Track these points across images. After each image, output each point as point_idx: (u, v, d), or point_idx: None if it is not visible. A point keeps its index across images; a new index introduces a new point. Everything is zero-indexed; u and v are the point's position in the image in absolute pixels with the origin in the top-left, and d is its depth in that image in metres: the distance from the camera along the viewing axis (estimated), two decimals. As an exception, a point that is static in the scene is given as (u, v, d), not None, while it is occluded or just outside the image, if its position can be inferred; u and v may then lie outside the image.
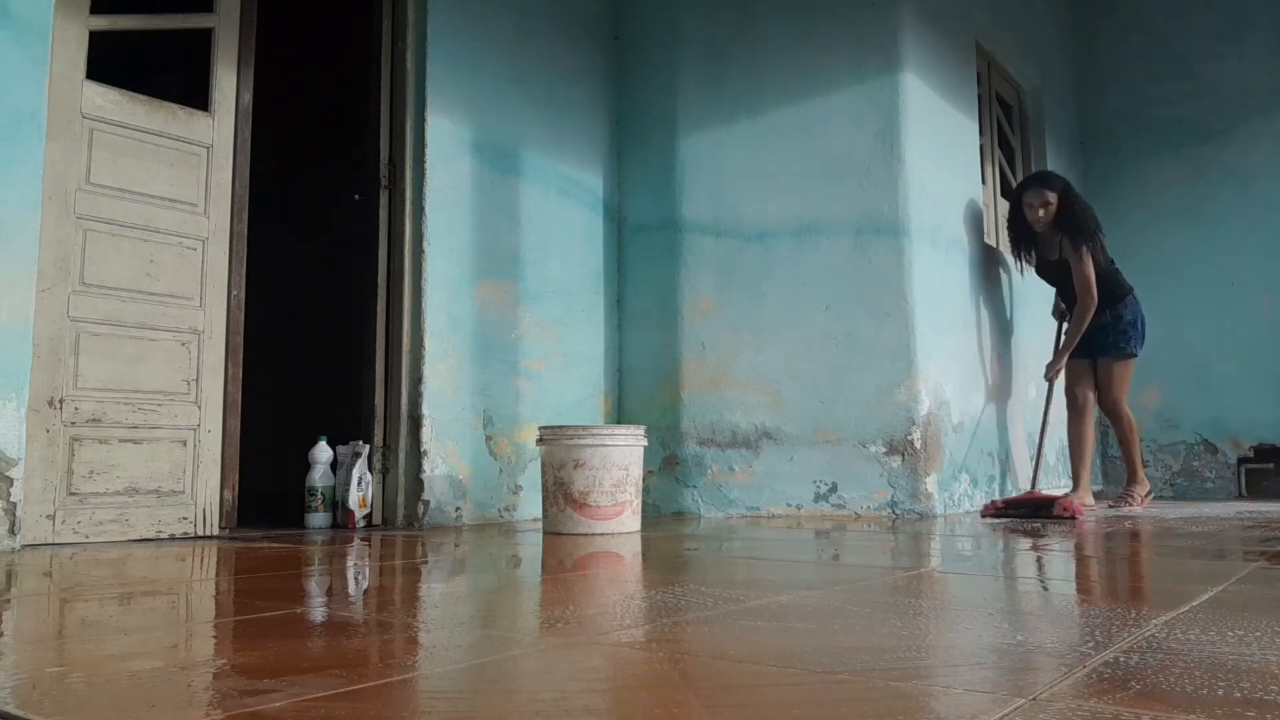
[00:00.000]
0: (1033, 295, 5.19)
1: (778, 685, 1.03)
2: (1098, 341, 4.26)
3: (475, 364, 3.71)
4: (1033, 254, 4.45)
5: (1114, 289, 4.27)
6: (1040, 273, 4.49)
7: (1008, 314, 4.77)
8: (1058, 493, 4.03)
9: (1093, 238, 4.19)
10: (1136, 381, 5.82)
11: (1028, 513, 3.72)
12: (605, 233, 4.39)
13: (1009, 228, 4.54)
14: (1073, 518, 3.57)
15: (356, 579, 2.09)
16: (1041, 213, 4.23)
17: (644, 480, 3.39)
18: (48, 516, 2.66)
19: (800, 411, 3.94)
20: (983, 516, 3.75)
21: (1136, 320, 4.28)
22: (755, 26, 4.24)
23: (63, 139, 2.75)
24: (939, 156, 4.13)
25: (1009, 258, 4.99)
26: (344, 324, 4.19)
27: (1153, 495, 4.48)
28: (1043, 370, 4.46)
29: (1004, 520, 3.61)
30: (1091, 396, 4.34)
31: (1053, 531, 3.05)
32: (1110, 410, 4.34)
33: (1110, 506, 4.23)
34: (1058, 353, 4.33)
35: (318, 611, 1.60)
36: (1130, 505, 4.23)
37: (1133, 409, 5.80)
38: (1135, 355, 4.30)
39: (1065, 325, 4.37)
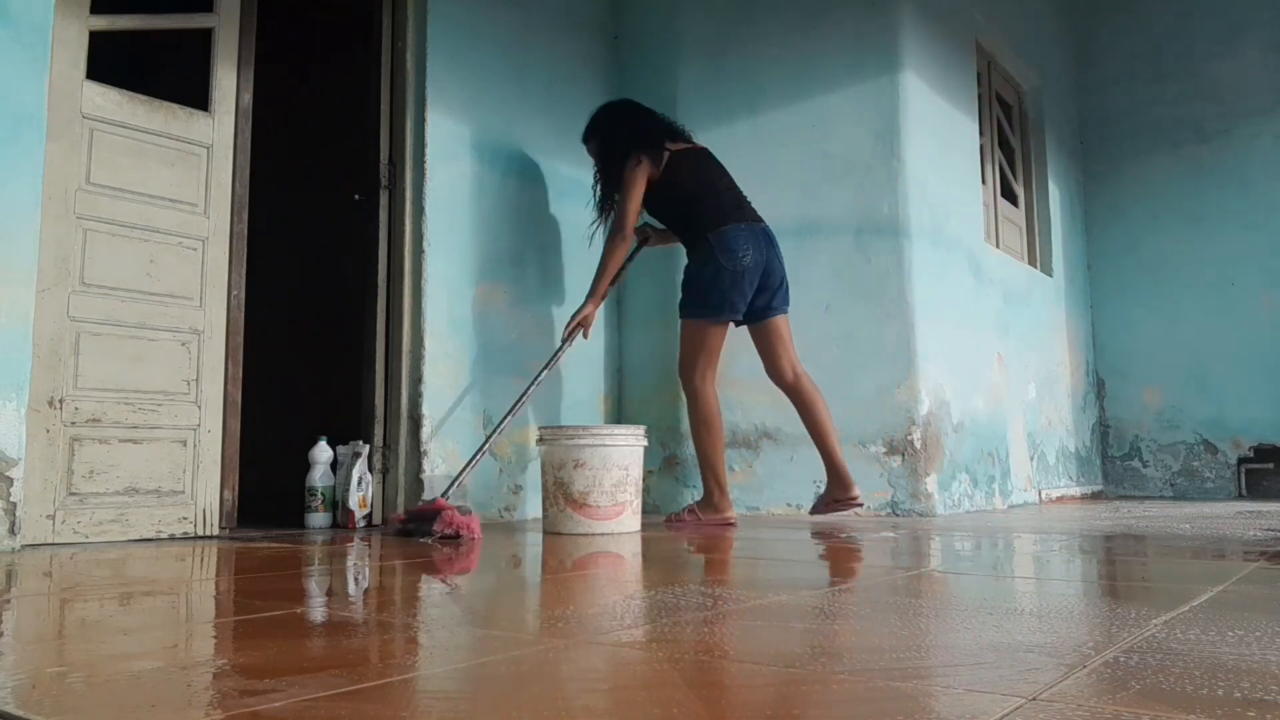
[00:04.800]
0: (1034, 295, 5.19)
1: (777, 685, 1.03)
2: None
3: (475, 364, 3.71)
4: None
5: (686, 235, 3.54)
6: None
7: (1007, 314, 4.77)
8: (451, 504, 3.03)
9: (646, 150, 3.48)
10: (1138, 381, 5.87)
11: (418, 525, 2.96)
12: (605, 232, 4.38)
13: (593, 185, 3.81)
14: (457, 535, 2.81)
15: (356, 579, 2.09)
16: (596, 162, 3.74)
17: (644, 480, 3.39)
18: (48, 516, 2.66)
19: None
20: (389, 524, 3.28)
21: (700, 276, 3.42)
22: (755, 26, 4.24)
23: (63, 139, 2.75)
24: (939, 157, 4.13)
25: (1007, 257, 4.99)
26: (344, 324, 4.20)
27: (734, 526, 3.36)
28: (1028, 366, 4.37)
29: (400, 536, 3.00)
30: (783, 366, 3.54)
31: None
32: (682, 382, 3.52)
33: (669, 522, 3.44)
34: (592, 288, 3.61)
35: (318, 611, 1.60)
36: (681, 523, 3.42)
37: (1133, 409, 5.85)
38: (691, 318, 3.45)
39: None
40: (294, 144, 5.11)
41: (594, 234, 3.90)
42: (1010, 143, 5.37)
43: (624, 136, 3.58)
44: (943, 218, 4.13)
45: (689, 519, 3.45)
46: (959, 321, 4.19)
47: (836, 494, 3.48)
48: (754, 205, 4.19)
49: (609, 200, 3.67)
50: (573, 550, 2.60)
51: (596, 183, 3.75)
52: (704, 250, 3.43)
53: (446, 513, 2.87)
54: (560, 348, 3.62)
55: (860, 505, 3.51)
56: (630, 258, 3.81)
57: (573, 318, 3.59)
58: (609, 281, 3.60)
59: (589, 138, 3.75)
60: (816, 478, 3.94)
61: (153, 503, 2.88)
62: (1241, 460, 5.44)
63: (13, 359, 2.47)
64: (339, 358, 4.46)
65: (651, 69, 4.47)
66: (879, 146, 3.90)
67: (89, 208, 2.81)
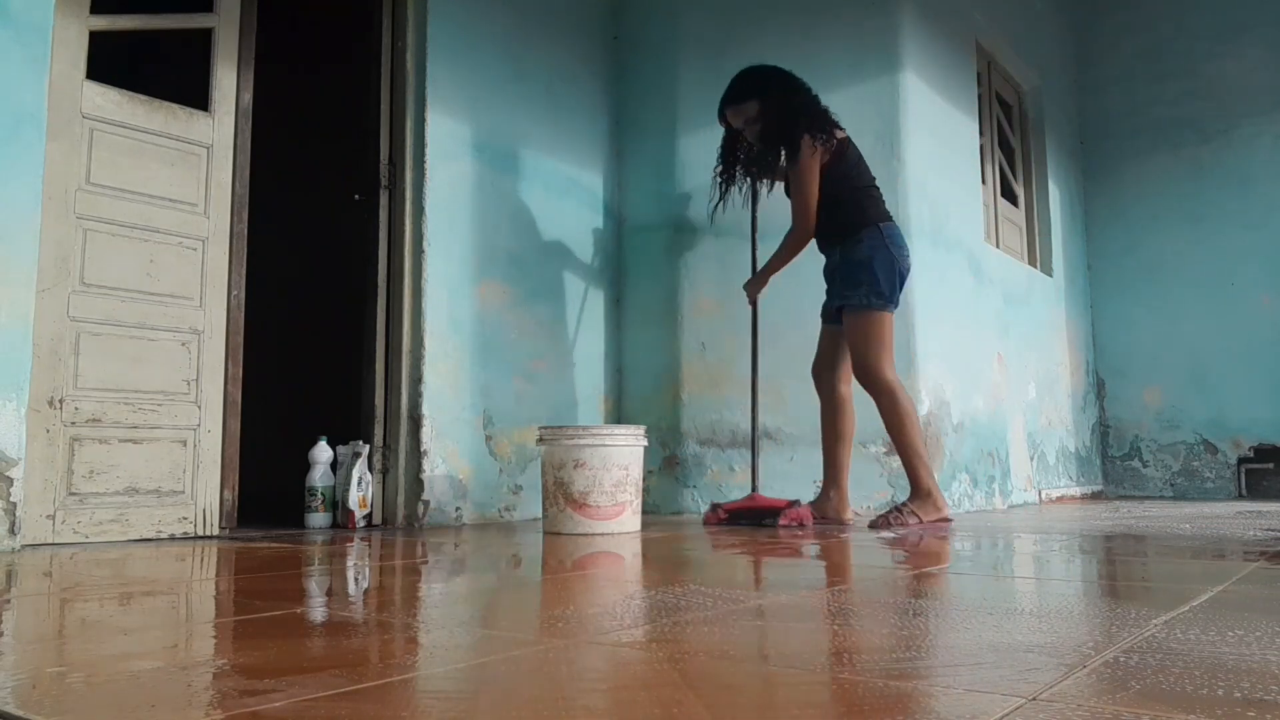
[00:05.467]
0: (1034, 295, 5.19)
1: (777, 685, 1.03)
2: (831, 293, 3.39)
3: (475, 364, 3.71)
4: (758, 190, 3.65)
5: (850, 217, 3.28)
6: (788, 194, 3.53)
7: (1007, 314, 4.77)
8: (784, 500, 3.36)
9: (819, 126, 3.27)
10: (1138, 381, 5.87)
11: (752, 521, 3.28)
12: (605, 233, 4.39)
13: (721, 159, 3.57)
14: (801, 525, 3.14)
15: (356, 579, 2.09)
16: (751, 130, 3.40)
17: (644, 480, 3.39)
18: (48, 516, 2.66)
19: (800, 411, 3.93)
20: (706, 525, 3.38)
21: (873, 262, 3.22)
22: (755, 26, 4.24)
23: (63, 139, 2.75)
24: (939, 157, 4.13)
25: (1007, 257, 4.99)
26: (344, 324, 4.20)
27: (952, 523, 3.26)
28: (1028, 366, 4.35)
29: (727, 529, 3.22)
30: (839, 373, 3.40)
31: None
32: (864, 382, 3.28)
33: (873, 525, 3.17)
34: (758, 274, 3.56)
35: (318, 611, 1.60)
36: (903, 525, 3.14)
37: (1133, 409, 5.85)
38: (867, 306, 3.23)
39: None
40: (294, 144, 5.11)
41: (715, 214, 3.62)
42: (1010, 143, 5.37)
43: (796, 115, 3.29)
44: (943, 218, 4.12)
45: (910, 521, 3.13)
46: (959, 321, 4.19)
47: (839, 510, 3.39)
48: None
49: (764, 168, 3.47)
50: (573, 550, 2.60)
51: (726, 157, 3.52)
52: (874, 239, 3.24)
53: (795, 508, 3.22)
54: (755, 323, 3.65)
55: (848, 523, 3.36)
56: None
57: (751, 290, 3.59)
58: (781, 268, 3.46)
59: (743, 99, 3.36)
60: (816, 478, 3.93)
61: (153, 503, 2.88)
62: (1241, 460, 5.44)
63: (13, 359, 2.47)
64: (339, 358, 4.47)
65: (651, 69, 4.47)
66: (879, 146, 3.89)
67: (89, 208, 2.81)
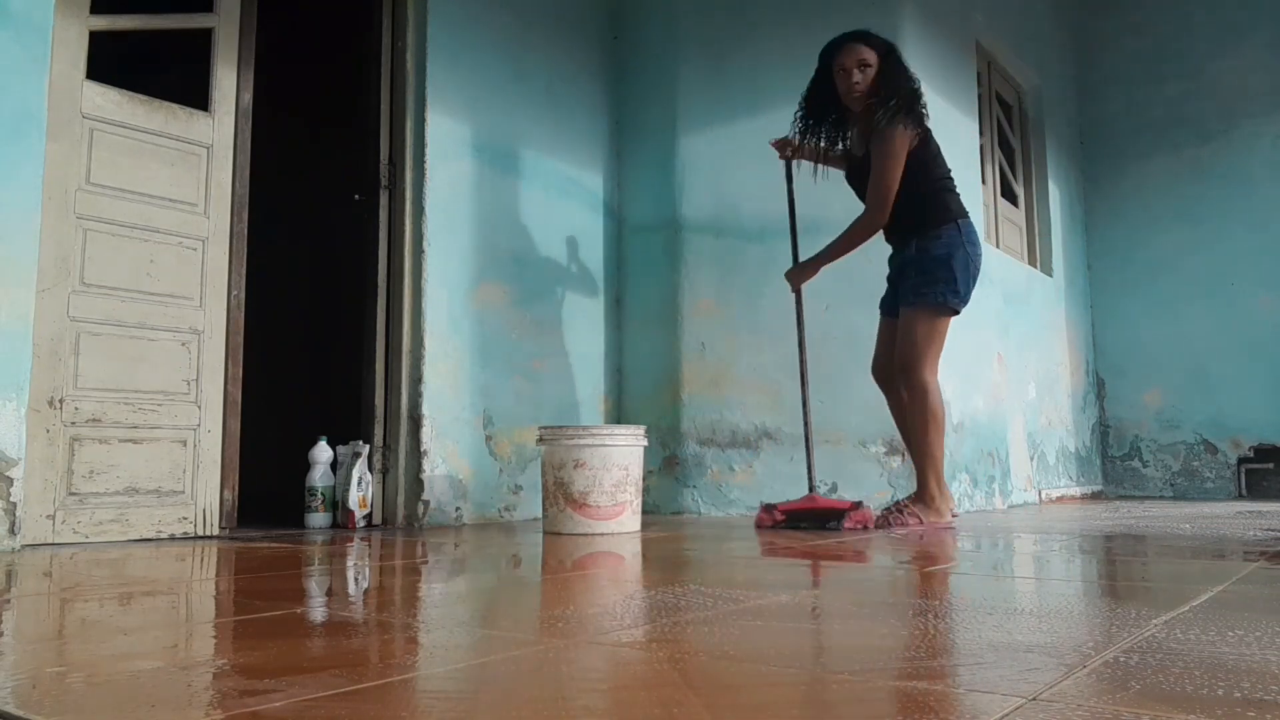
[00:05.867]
0: (1034, 295, 5.19)
1: (778, 685, 1.03)
2: (901, 287, 3.25)
3: (475, 364, 3.71)
4: (834, 146, 3.40)
5: (932, 212, 3.16)
6: (850, 180, 3.42)
7: (1007, 314, 4.76)
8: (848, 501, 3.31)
9: (918, 118, 3.15)
10: (1138, 381, 5.87)
11: (814, 524, 3.15)
12: (605, 233, 4.39)
13: (804, 104, 3.37)
14: (865, 528, 3.04)
15: (356, 579, 2.09)
16: (858, 77, 3.16)
17: (644, 480, 3.39)
18: (48, 516, 2.66)
19: (800, 411, 3.93)
20: (759, 528, 3.17)
21: (950, 260, 3.12)
22: (755, 26, 4.24)
23: (63, 139, 2.75)
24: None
25: (1007, 257, 4.99)
26: (344, 324, 4.20)
27: (955, 519, 3.24)
28: (1028, 366, 4.32)
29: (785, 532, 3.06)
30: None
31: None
32: (902, 377, 3.22)
33: (876, 524, 3.12)
34: (811, 260, 3.38)
35: (318, 611, 1.60)
36: (902, 525, 3.09)
37: (1133, 409, 5.85)
38: (940, 304, 3.14)
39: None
40: (294, 144, 5.11)
41: (806, 172, 3.46)
42: (1010, 143, 5.37)
43: (906, 90, 3.16)
44: (943, 218, 4.11)
45: (910, 521, 3.09)
46: (959, 321, 4.17)
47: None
48: (754, 204, 4.18)
49: (836, 132, 3.31)
50: (573, 550, 2.60)
51: (811, 101, 3.32)
52: (954, 236, 3.14)
53: (860, 510, 3.10)
54: (799, 316, 3.48)
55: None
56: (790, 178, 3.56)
57: (795, 277, 3.42)
58: (838, 257, 3.31)
59: (869, 42, 3.22)
60: (816, 478, 3.93)
61: (153, 503, 2.88)
62: (1241, 460, 5.44)
63: (13, 359, 2.47)
64: (339, 358, 4.47)
65: (651, 69, 4.46)
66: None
67: (89, 208, 2.81)
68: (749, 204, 4.12)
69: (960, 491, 3.98)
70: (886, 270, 4.04)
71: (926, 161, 3.18)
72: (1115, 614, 1.43)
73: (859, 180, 3.29)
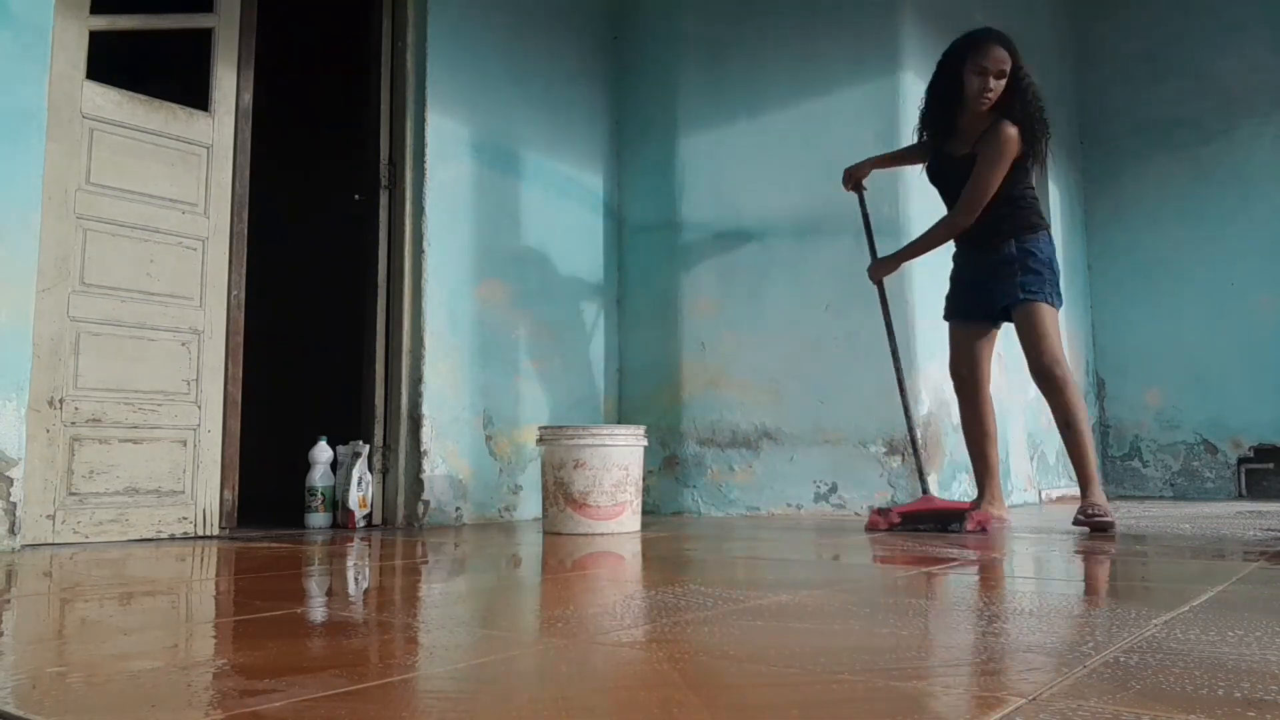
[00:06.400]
0: (1033, 295, 5.19)
1: (778, 685, 1.03)
2: (1001, 287, 3.13)
3: (475, 364, 3.71)
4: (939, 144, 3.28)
5: (1029, 216, 3.13)
6: (935, 177, 3.36)
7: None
8: (965, 502, 3.31)
9: (1041, 133, 3.08)
10: (1138, 381, 5.86)
11: (935, 526, 3.05)
12: (605, 233, 4.39)
13: (928, 100, 3.26)
14: (984, 529, 2.95)
15: (356, 579, 2.09)
16: (994, 85, 3.04)
17: (644, 480, 3.39)
18: (48, 516, 2.66)
19: (800, 411, 3.94)
20: (868, 531, 3.09)
21: (1052, 262, 3.15)
22: (755, 26, 4.24)
23: (63, 139, 2.75)
24: (939, 156, 4.12)
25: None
26: (344, 324, 4.20)
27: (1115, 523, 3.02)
28: (1028, 366, 4.30)
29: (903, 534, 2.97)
30: (984, 371, 3.32)
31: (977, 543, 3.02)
32: (1045, 376, 3.09)
33: (1077, 522, 2.98)
34: (895, 255, 3.35)
35: (318, 611, 1.60)
36: (1102, 516, 2.95)
37: (1133, 409, 5.84)
38: (1058, 307, 3.17)
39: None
40: (294, 144, 5.11)
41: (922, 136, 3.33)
42: (1010, 143, 5.36)
43: (1035, 106, 3.06)
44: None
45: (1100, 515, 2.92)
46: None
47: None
48: (754, 205, 4.19)
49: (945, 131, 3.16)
50: (573, 550, 2.60)
51: (937, 95, 3.19)
52: (1049, 243, 3.15)
53: (978, 511, 3.05)
54: (885, 310, 3.42)
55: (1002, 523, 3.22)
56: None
57: (876, 270, 3.36)
58: (920, 255, 3.30)
59: (1013, 49, 3.10)
60: (816, 478, 3.94)
61: (153, 503, 2.88)
62: (1241, 460, 5.44)
63: (13, 359, 2.47)
64: (339, 358, 4.47)
65: (651, 69, 4.47)
66: (879, 146, 3.89)
67: (89, 208, 2.81)
68: (749, 204, 4.12)
69: (960, 492, 3.98)
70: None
71: (1026, 170, 3.14)
72: (1115, 614, 1.43)
73: (949, 179, 3.21)
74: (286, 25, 4.53)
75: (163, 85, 3.16)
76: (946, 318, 3.41)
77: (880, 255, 3.41)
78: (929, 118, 3.25)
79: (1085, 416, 3.10)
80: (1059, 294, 3.15)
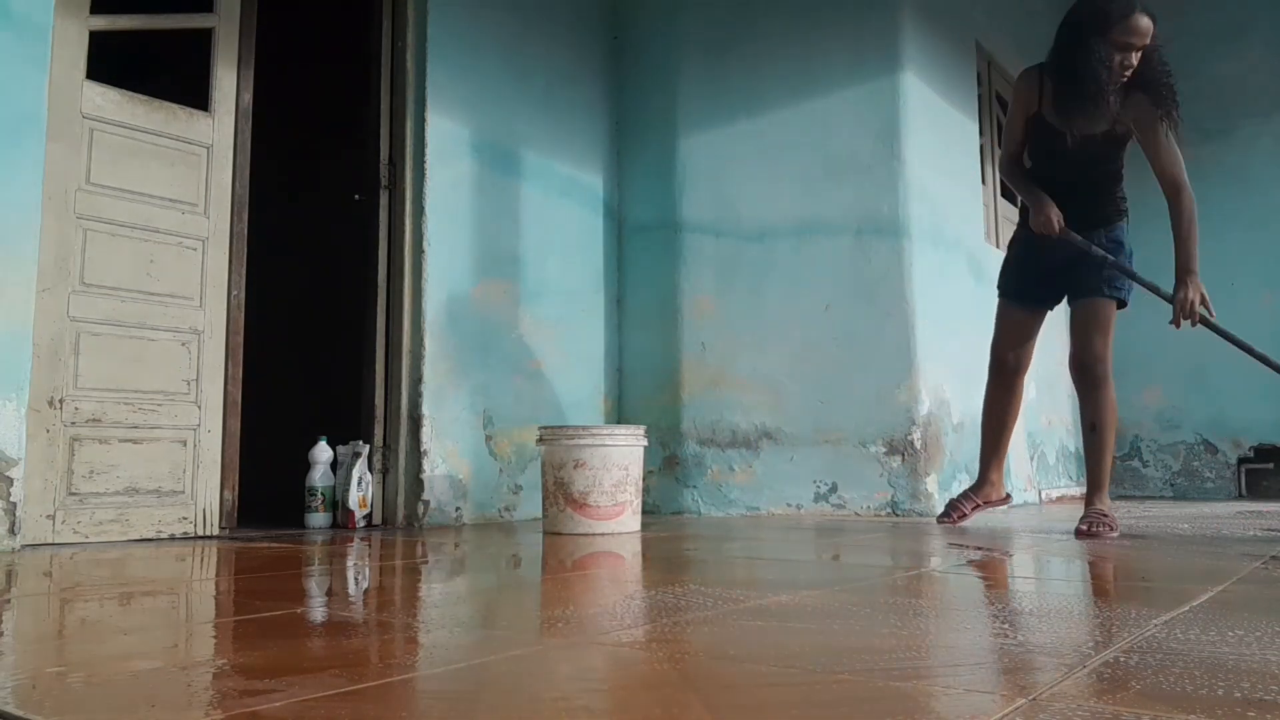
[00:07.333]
0: (1033, 295, 5.19)
1: (778, 685, 1.03)
2: (1086, 280, 2.98)
3: (475, 364, 3.71)
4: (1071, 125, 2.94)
5: (1120, 202, 3.00)
6: (1051, 158, 3.03)
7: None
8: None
9: (1173, 102, 2.92)
10: (1138, 381, 5.86)
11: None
12: (605, 233, 4.39)
13: (1075, 74, 2.84)
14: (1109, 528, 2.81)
15: (356, 579, 2.09)
16: (1134, 59, 2.80)
17: (644, 480, 3.39)
18: (48, 516, 2.66)
19: (800, 411, 3.94)
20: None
21: (1132, 254, 3.03)
22: (755, 26, 4.24)
23: (63, 139, 2.75)
24: (939, 156, 4.13)
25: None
26: (344, 324, 4.20)
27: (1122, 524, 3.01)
28: (1037, 369, 4.31)
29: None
30: (1029, 358, 3.24)
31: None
32: (1089, 372, 3.03)
33: (1080, 534, 2.83)
34: (1192, 272, 2.89)
35: (318, 611, 1.60)
36: (1107, 528, 2.84)
37: (1133, 409, 5.84)
38: (1126, 304, 3.10)
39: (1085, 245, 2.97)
40: (294, 144, 5.11)
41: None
42: (1010, 143, 5.35)
43: (1164, 70, 2.89)
44: (943, 218, 4.12)
45: (1106, 532, 2.83)
46: (959, 321, 4.19)
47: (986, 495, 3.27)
48: (754, 205, 4.18)
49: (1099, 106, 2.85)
50: (573, 550, 2.60)
51: (1073, 64, 2.85)
52: (1125, 229, 3.02)
53: (1095, 510, 2.86)
54: (1220, 330, 3.17)
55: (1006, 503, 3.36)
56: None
57: (1180, 306, 2.95)
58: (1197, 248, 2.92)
59: (1152, 15, 2.83)
60: (816, 478, 3.94)
61: (153, 503, 2.88)
62: (1241, 460, 5.44)
63: (13, 359, 2.47)
64: (339, 358, 4.46)
65: (651, 69, 4.47)
66: (879, 146, 3.90)
67: (89, 208, 2.81)
68: (749, 204, 4.12)
69: (960, 492, 3.98)
70: (884, 272, 4.01)
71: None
72: (1115, 614, 1.43)
73: (1079, 162, 2.95)
74: (286, 25, 4.53)
75: (163, 85, 3.16)
76: (1010, 299, 3.20)
77: (1182, 283, 2.91)
78: (1063, 98, 2.88)
79: (1114, 422, 3.03)
80: (1127, 284, 3.03)
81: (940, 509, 3.74)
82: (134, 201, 2.91)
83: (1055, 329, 5.44)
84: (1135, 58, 2.76)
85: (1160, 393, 5.71)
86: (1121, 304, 3.08)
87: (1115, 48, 2.75)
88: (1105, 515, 2.90)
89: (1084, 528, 2.85)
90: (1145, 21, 2.75)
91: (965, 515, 3.26)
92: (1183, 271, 2.86)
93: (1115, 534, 2.84)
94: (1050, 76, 2.92)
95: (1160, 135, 2.83)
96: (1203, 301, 2.91)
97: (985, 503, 3.30)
